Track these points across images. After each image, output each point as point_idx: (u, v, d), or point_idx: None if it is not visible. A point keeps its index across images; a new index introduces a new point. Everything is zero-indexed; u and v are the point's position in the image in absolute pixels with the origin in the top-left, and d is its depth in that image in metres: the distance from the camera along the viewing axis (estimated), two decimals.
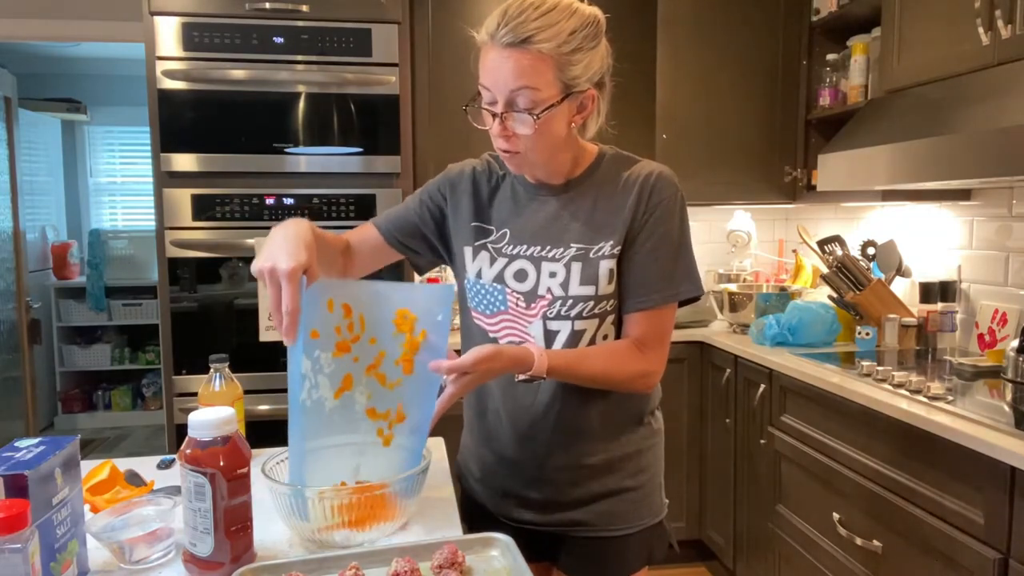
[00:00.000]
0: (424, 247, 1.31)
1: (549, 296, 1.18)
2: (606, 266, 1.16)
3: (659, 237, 1.17)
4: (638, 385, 1.20)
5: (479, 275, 1.23)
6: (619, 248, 1.17)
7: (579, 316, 1.17)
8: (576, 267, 1.17)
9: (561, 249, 1.19)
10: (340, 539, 1.04)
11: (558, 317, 1.17)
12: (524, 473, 1.25)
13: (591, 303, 1.17)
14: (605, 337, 1.20)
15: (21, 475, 0.83)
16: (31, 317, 3.78)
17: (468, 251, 1.25)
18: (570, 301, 1.17)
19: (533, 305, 1.19)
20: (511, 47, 1.05)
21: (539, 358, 1.10)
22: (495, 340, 1.22)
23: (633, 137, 2.84)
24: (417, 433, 1.15)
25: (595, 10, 1.11)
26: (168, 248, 2.43)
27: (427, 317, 1.13)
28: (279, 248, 0.98)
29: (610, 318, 1.19)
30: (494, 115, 1.10)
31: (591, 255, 1.17)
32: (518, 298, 1.20)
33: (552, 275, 1.18)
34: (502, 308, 1.21)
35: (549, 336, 1.19)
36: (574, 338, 1.18)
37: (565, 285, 1.17)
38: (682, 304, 1.22)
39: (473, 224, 1.25)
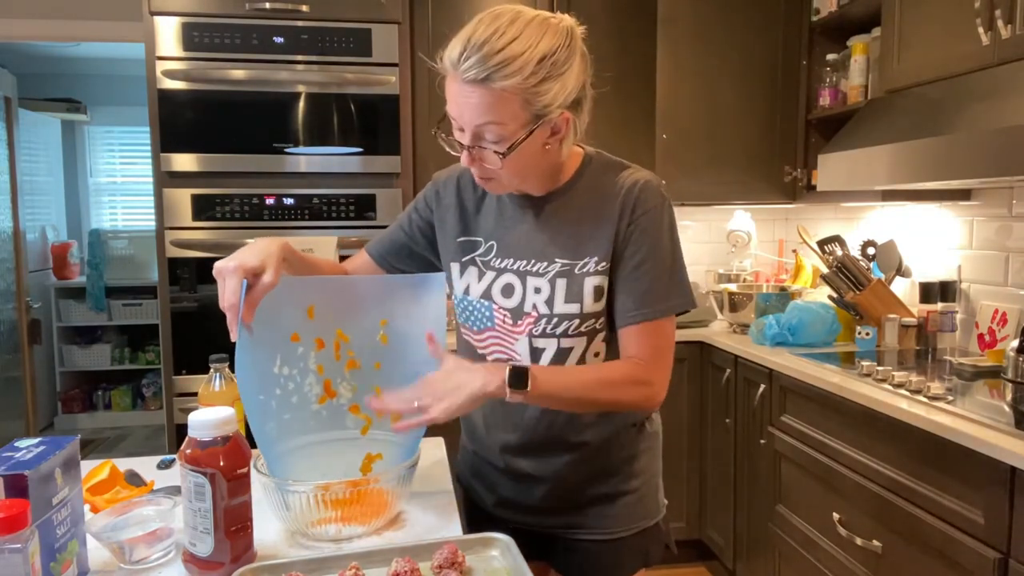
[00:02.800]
0: (418, 266, 1.30)
1: (535, 314, 1.16)
2: (591, 283, 1.14)
3: (647, 250, 1.13)
4: (643, 406, 1.17)
5: (467, 291, 1.22)
6: (605, 264, 1.14)
7: (564, 334, 1.15)
8: (561, 284, 1.15)
9: (545, 264, 1.16)
10: (332, 532, 1.05)
11: (543, 335, 1.16)
12: (518, 477, 1.25)
13: (576, 321, 1.14)
14: (596, 355, 1.18)
15: (21, 475, 0.83)
16: (31, 317, 3.78)
17: (455, 268, 1.24)
18: (555, 319, 1.15)
19: (520, 322, 1.17)
20: (473, 83, 1.00)
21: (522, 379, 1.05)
22: (483, 356, 1.22)
23: (633, 137, 2.84)
24: (410, 436, 1.17)
25: (568, 23, 1.05)
26: (168, 248, 2.43)
27: (415, 307, 1.15)
28: (236, 254, 1.05)
29: (600, 336, 1.17)
30: (462, 145, 1.07)
31: (576, 271, 1.15)
32: (505, 315, 1.18)
33: (537, 291, 1.16)
34: (489, 324, 1.20)
35: (535, 354, 1.17)
36: (561, 356, 1.16)
37: (550, 302, 1.15)
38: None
39: (460, 240, 1.24)
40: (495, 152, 1.05)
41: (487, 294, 1.20)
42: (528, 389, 1.03)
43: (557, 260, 1.16)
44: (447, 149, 1.12)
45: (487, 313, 1.20)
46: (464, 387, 1.03)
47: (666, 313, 1.14)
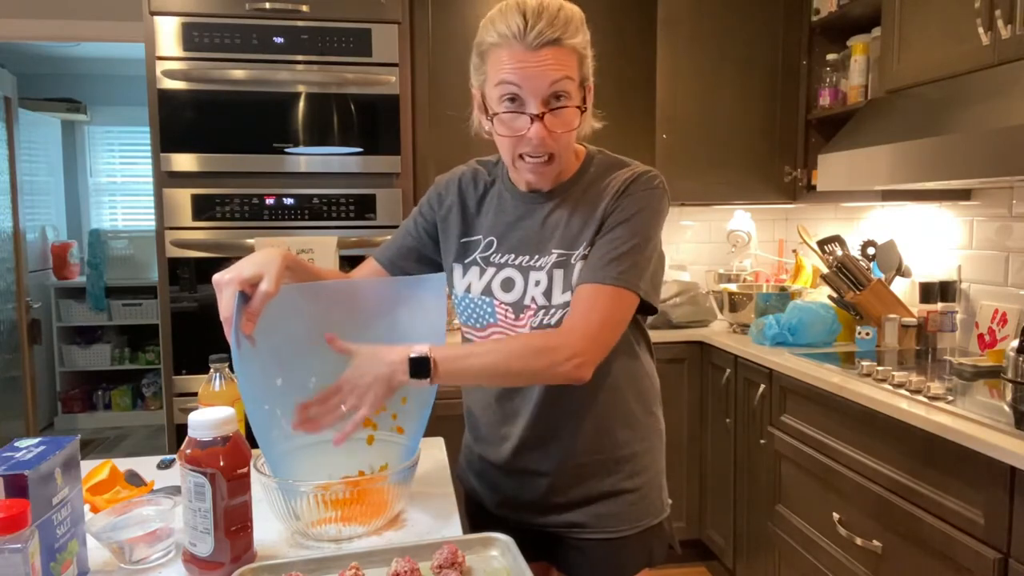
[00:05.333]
0: (427, 269, 1.30)
1: (534, 306, 1.17)
2: (580, 268, 1.15)
3: (620, 223, 1.13)
4: (561, 373, 1.07)
5: (468, 289, 1.23)
6: (591, 249, 1.15)
7: (559, 323, 1.15)
8: (558, 274, 1.16)
9: (545, 257, 1.18)
10: (332, 532, 1.05)
11: (541, 326, 1.16)
12: (519, 476, 1.26)
13: (569, 308, 1.15)
14: None
15: (21, 475, 0.83)
16: (31, 317, 3.77)
17: (458, 268, 1.25)
18: (552, 309, 1.16)
19: (521, 316, 1.18)
20: (547, 46, 1.05)
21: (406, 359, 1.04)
22: None
23: (633, 137, 2.84)
24: (411, 436, 1.17)
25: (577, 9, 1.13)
26: (168, 248, 2.43)
27: (418, 309, 1.15)
28: (235, 264, 1.06)
29: None
30: (532, 117, 1.07)
31: (571, 261, 1.16)
32: (506, 309, 1.19)
33: (537, 284, 1.17)
34: (491, 321, 1.21)
35: None
36: None
37: (548, 294, 1.16)
38: (643, 313, 1.17)
39: (461, 241, 1.25)
40: (575, 107, 1.09)
41: (487, 290, 1.21)
42: (429, 378, 1.04)
43: (554, 251, 1.17)
44: (499, 135, 1.12)
45: (489, 309, 1.21)
46: (379, 379, 1.04)
47: (613, 282, 1.10)
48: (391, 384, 1.04)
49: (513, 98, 1.08)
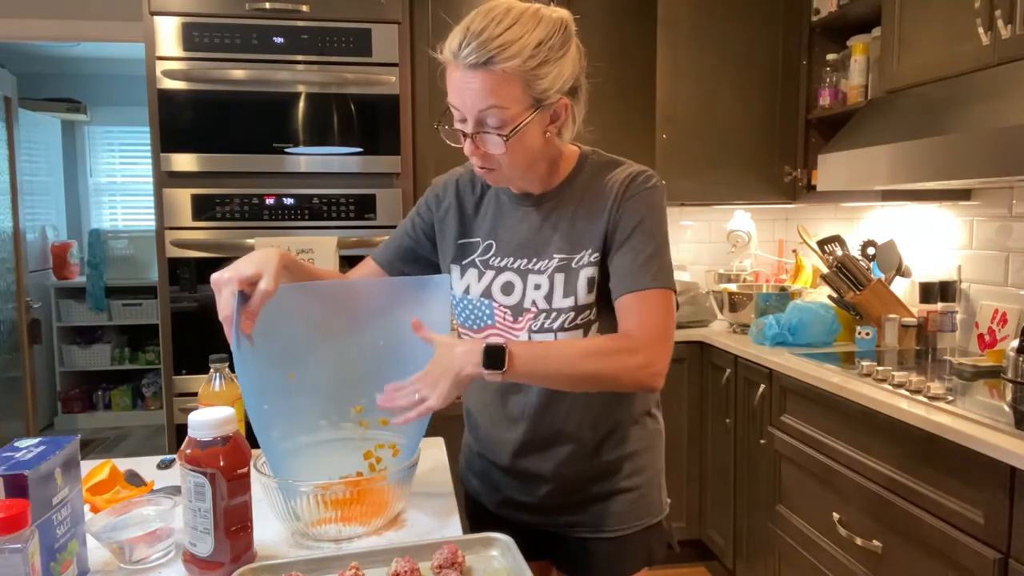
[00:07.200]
0: (425, 269, 1.31)
1: (534, 309, 1.17)
2: (585, 275, 1.15)
3: (634, 225, 1.13)
4: (638, 377, 1.08)
5: (467, 291, 1.23)
6: (596, 255, 1.15)
7: (562, 328, 1.16)
8: (559, 278, 1.16)
9: (545, 261, 1.18)
10: (332, 532, 1.05)
11: (542, 330, 1.17)
12: (522, 477, 1.26)
13: (572, 314, 1.15)
14: None
15: (21, 475, 0.83)
16: (31, 317, 3.77)
17: (456, 270, 1.25)
18: (553, 313, 1.16)
19: (520, 319, 1.18)
20: (475, 68, 1.02)
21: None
22: None
23: (633, 137, 2.84)
24: (411, 436, 1.17)
25: (562, 14, 1.08)
26: (168, 248, 2.43)
27: (420, 311, 1.16)
28: (233, 264, 1.06)
29: (594, 327, 1.17)
30: (465, 134, 1.09)
31: (573, 265, 1.16)
32: (505, 312, 1.19)
33: (537, 287, 1.17)
34: (489, 323, 1.21)
35: None
36: None
37: (549, 297, 1.16)
38: None
39: (459, 242, 1.25)
40: (498, 135, 1.06)
41: (487, 293, 1.21)
42: (504, 369, 1.02)
43: (555, 256, 1.17)
44: (448, 142, 1.14)
45: (487, 311, 1.21)
46: (448, 372, 1.03)
47: (653, 285, 1.11)
48: (459, 379, 1.03)
49: (459, 115, 1.08)
